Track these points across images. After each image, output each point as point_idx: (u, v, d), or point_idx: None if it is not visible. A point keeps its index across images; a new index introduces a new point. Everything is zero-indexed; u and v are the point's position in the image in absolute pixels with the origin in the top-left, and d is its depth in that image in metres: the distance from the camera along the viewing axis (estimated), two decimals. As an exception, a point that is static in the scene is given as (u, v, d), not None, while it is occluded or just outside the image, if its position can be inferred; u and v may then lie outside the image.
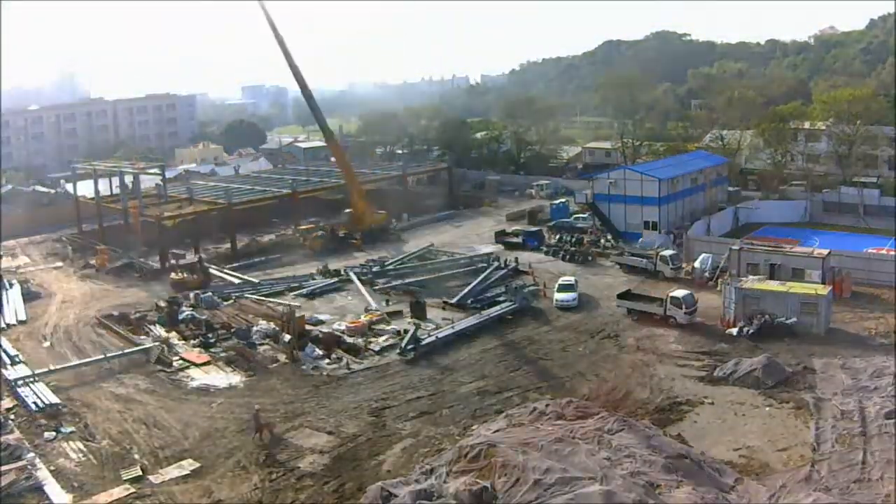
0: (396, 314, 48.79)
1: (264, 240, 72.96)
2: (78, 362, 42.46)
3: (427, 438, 32.41)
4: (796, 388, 35.39)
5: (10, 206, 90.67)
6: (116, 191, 75.46)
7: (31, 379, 39.45)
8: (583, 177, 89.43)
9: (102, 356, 43.07)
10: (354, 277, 56.79)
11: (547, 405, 33.99)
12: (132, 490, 29.36)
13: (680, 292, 45.83)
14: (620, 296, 48.16)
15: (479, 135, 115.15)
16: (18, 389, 38.47)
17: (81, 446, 33.09)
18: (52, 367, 41.38)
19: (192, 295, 53.05)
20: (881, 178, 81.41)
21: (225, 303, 52.24)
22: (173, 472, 30.61)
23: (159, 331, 47.14)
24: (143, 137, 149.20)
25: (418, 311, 47.87)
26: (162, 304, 51.22)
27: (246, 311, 49.78)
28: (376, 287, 55.08)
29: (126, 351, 43.63)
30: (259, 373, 40.73)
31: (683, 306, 44.55)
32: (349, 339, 44.20)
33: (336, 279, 57.51)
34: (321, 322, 47.91)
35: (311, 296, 54.27)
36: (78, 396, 38.32)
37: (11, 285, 57.70)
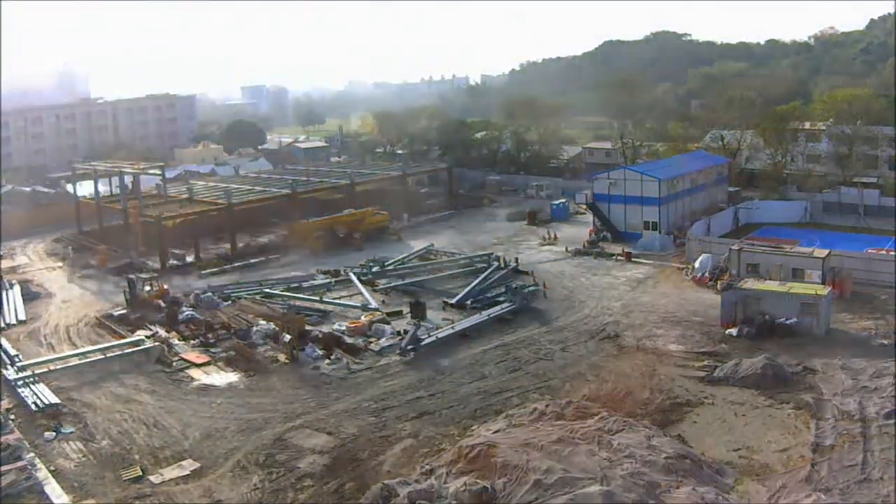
0: (396, 314, 48.79)
1: (264, 240, 73.10)
2: (75, 353, 42.57)
3: (427, 438, 32.38)
4: (796, 388, 35.38)
5: (10, 206, 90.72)
6: (116, 191, 75.48)
7: (31, 378, 39.48)
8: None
9: (102, 355, 43.20)
10: (354, 277, 56.84)
11: (547, 405, 33.97)
12: (132, 490, 29.33)
13: None
14: None
15: (479, 135, 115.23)
16: (18, 389, 38.48)
17: (81, 446, 33.06)
18: (51, 368, 41.49)
19: (192, 294, 53.14)
20: (881, 178, 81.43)
21: (225, 302, 52.26)
22: (173, 472, 30.57)
23: (159, 330, 47.19)
24: (143, 137, 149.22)
25: (418, 312, 47.86)
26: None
27: (246, 311, 49.80)
28: (376, 287, 55.18)
29: (126, 350, 43.70)
30: (259, 373, 40.72)
31: None
32: (349, 340, 44.22)
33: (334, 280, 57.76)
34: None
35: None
36: (78, 396, 38.29)
37: (11, 285, 57.71)
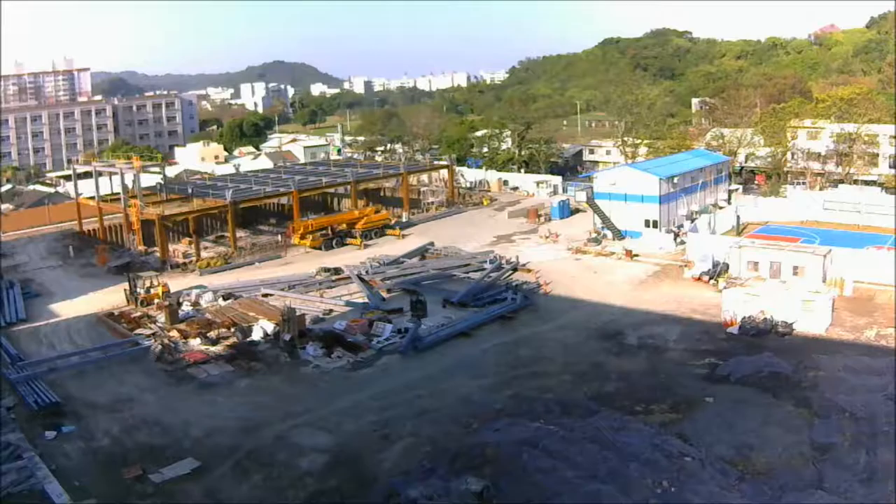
0: (397, 312, 48.78)
1: (265, 238, 73.10)
2: (75, 352, 42.58)
3: (427, 437, 32.36)
4: (797, 387, 35.33)
5: (10, 204, 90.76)
6: (116, 189, 75.42)
7: (32, 377, 39.47)
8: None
9: (102, 354, 43.23)
10: (354, 276, 56.82)
11: (548, 403, 34.03)
12: (133, 489, 29.31)
13: None
14: None
15: (479, 133, 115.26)
16: (19, 388, 38.47)
17: (82, 445, 33.07)
18: (52, 367, 41.49)
19: (193, 293, 53.16)
20: (881, 176, 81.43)
21: (225, 301, 52.25)
22: (174, 471, 30.56)
23: (160, 328, 47.17)
24: (143, 136, 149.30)
25: (419, 310, 47.84)
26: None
27: (246, 310, 49.78)
28: (377, 285, 55.15)
29: (127, 348, 43.72)
30: (260, 371, 40.73)
31: None
32: (350, 338, 44.20)
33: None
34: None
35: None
36: (78, 395, 38.29)
37: (12, 284, 57.67)
